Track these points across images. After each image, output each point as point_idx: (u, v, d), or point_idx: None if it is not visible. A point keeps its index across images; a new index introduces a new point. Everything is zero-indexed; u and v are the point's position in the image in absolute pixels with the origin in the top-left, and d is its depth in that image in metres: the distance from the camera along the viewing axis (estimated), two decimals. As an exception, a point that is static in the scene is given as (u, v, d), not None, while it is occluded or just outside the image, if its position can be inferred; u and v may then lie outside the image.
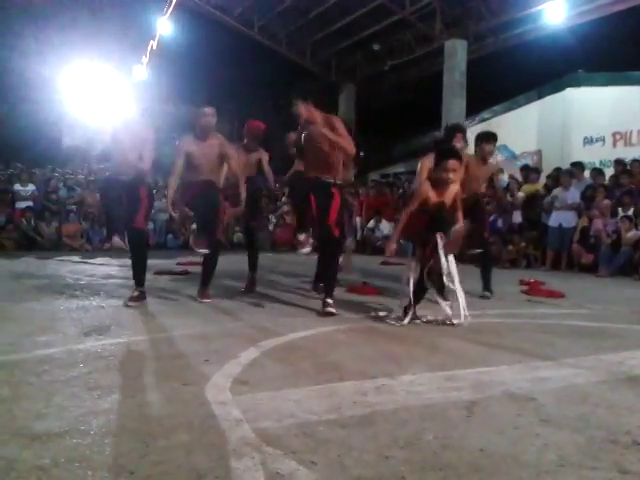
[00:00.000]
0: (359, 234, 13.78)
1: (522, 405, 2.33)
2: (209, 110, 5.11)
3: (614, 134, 12.14)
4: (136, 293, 4.89)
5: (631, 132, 11.89)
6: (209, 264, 5.21)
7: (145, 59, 18.18)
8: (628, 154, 11.31)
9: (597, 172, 10.62)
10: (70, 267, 8.20)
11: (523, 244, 10.00)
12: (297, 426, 2.04)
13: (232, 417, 2.12)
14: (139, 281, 4.99)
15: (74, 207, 13.03)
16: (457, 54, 15.33)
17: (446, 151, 4.30)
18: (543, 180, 11.14)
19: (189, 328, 3.85)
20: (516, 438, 1.98)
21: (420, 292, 4.25)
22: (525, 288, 6.44)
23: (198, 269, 6.70)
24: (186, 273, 7.29)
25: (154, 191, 11.48)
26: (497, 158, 14.82)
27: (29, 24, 16.75)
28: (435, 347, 3.42)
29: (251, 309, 4.78)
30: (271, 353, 3.15)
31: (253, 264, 6.11)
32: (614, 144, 12.16)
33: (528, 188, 10.89)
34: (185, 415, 2.14)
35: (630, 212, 8.89)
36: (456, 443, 1.92)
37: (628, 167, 10.25)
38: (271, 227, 13.84)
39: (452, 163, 4.08)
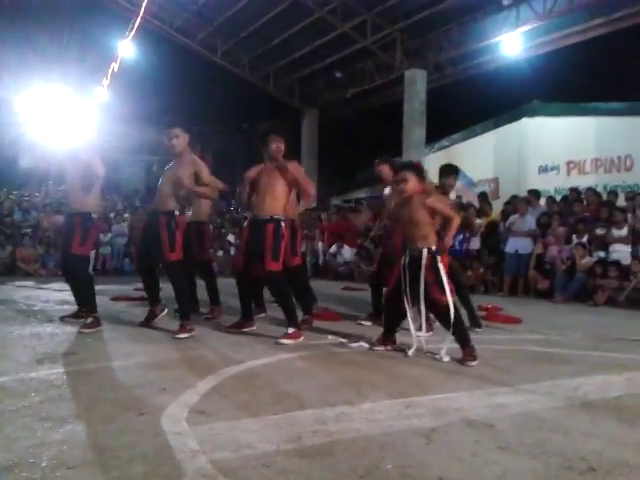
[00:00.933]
0: (321, 259, 13.80)
1: (480, 432, 2.34)
2: (173, 131, 4.79)
3: (568, 163, 12.51)
4: (90, 319, 4.75)
5: (585, 161, 12.27)
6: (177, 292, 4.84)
7: (106, 81, 18.01)
8: (582, 182, 11.67)
9: (552, 200, 10.91)
10: (24, 292, 7.97)
11: (482, 270, 10.15)
12: (255, 457, 2.01)
13: (188, 448, 2.07)
14: (90, 307, 4.84)
15: (29, 231, 12.71)
16: (417, 83, 15.66)
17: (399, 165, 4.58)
18: (500, 207, 11.38)
19: (146, 356, 3.77)
20: (475, 465, 1.99)
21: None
22: (483, 314, 6.51)
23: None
24: (143, 299, 7.17)
25: (112, 214, 11.27)
26: (456, 184, 15.12)
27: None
28: (395, 374, 3.43)
29: (210, 336, 4.71)
30: (230, 381, 3.11)
31: (215, 298, 5.98)
32: (568, 172, 12.53)
33: (488, 218, 11.10)
34: (140, 446, 2.09)
35: (584, 239, 9.12)
36: (415, 472, 1.92)
37: (582, 195, 10.57)
38: (233, 251, 13.73)
39: (400, 173, 4.18)
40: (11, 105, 17.59)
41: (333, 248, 13.43)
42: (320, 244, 13.82)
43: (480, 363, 3.73)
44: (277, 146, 4.68)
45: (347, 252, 13.18)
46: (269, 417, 2.46)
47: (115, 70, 17.35)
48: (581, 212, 9.90)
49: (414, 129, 15.50)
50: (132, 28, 15.80)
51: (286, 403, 2.68)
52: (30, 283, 9.33)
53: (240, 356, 3.78)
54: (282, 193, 4.70)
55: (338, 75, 18.44)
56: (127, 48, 16.87)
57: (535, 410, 2.68)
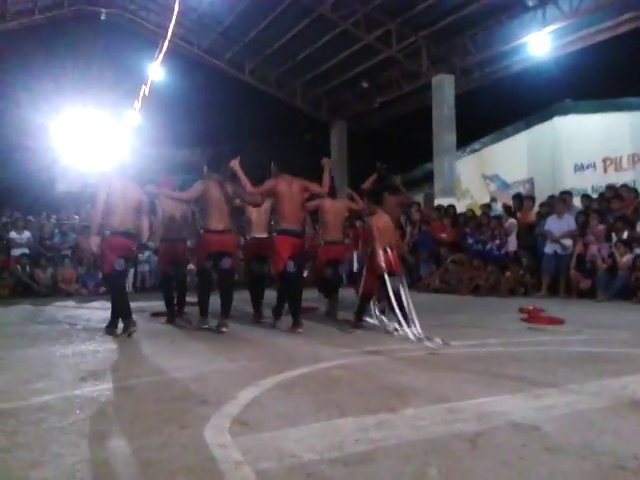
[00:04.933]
0: (356, 267, 13.71)
1: (527, 434, 2.29)
2: None
3: (604, 160, 12.25)
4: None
5: (621, 157, 12.00)
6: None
7: (137, 104, 18.41)
8: (619, 179, 11.40)
9: (589, 198, 10.68)
10: (66, 312, 8.13)
11: (521, 272, 9.98)
12: (299, 466, 2.00)
13: (232, 459, 2.07)
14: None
15: (69, 252, 12.99)
16: (445, 89, 15.56)
17: None
18: (536, 208, 11.21)
19: (186, 369, 3.80)
20: (522, 468, 1.95)
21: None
22: (525, 316, 6.40)
23: (194, 310, 6.69)
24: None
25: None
26: (490, 187, 14.98)
27: (22, 74, 17.00)
28: (436, 379, 3.38)
29: (247, 347, 4.73)
30: (270, 392, 3.11)
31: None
32: (605, 170, 12.27)
33: (527, 216, 10.92)
34: (184, 459, 2.10)
35: (624, 236, 8.91)
36: (461, 476, 1.89)
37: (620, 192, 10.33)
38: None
39: None
40: (47, 130, 18.11)
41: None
42: (355, 252, 13.74)
43: (524, 365, 3.67)
44: None
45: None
46: (311, 426, 2.45)
47: (146, 93, 17.72)
48: (619, 209, 9.66)
49: (444, 134, 15.39)
50: (160, 51, 16.14)
51: (327, 411, 2.66)
52: (72, 303, 9.51)
53: (278, 366, 3.78)
54: None
55: (365, 85, 18.43)
56: (157, 71, 17.22)
57: (582, 410, 2.61)
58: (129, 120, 19.25)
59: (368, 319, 5.95)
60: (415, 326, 5.07)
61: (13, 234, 12.77)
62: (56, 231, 13.78)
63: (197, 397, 2.99)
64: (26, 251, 12.49)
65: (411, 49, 15.85)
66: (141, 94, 17.86)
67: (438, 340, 4.59)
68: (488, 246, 10.84)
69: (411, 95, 17.97)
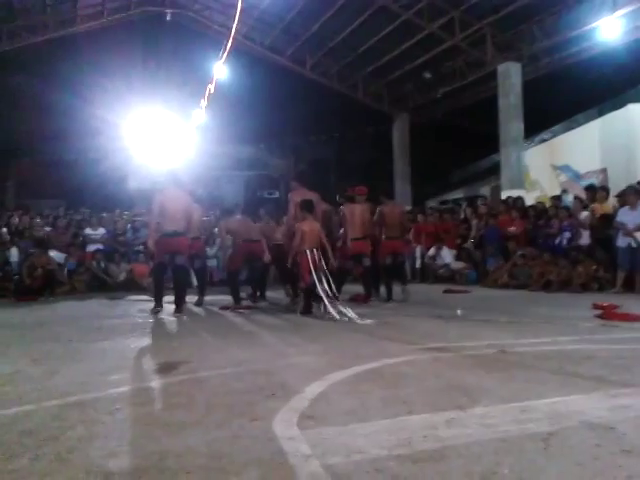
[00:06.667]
0: (418, 262, 13.57)
1: (602, 435, 2.22)
2: None
3: (683, 148, 11.67)
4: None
5: (700, 145, 11.40)
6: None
7: (204, 103, 18.81)
8: (699, 168, 10.84)
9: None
10: (140, 306, 8.42)
11: (594, 267, 9.61)
12: (367, 462, 2.00)
13: (301, 453, 2.10)
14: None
15: (141, 247, 13.45)
16: (511, 77, 15.15)
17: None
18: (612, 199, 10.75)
19: (255, 362, 3.87)
20: (597, 470, 1.89)
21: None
22: (599, 312, 6.18)
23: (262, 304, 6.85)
24: (250, 308, 7.39)
25: (216, 229, 11.95)
26: (561, 178, 14.51)
27: (97, 75, 17.69)
28: (507, 377, 3.31)
29: (313, 342, 4.77)
30: (337, 387, 3.13)
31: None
32: (683, 158, 11.68)
33: (601, 208, 10.48)
34: (255, 451, 2.14)
35: None
36: (534, 476, 1.85)
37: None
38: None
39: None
40: (119, 129, 18.80)
41: (432, 250, 13.18)
42: (418, 247, 13.60)
43: (598, 364, 3.54)
44: None
45: (446, 254, 12.90)
46: (378, 422, 2.45)
47: (211, 92, 18.10)
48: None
49: (511, 124, 14.99)
50: (225, 50, 16.44)
51: (394, 408, 2.66)
52: (145, 297, 9.82)
53: (344, 361, 3.80)
54: None
55: (427, 76, 18.19)
56: (221, 70, 17.55)
57: (662, 412, 2.50)
58: (196, 119, 19.70)
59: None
60: (345, 310, 6.29)
61: (88, 230, 13.34)
62: (129, 227, 14.29)
63: (266, 390, 3.05)
64: (101, 247, 13.01)
65: (475, 37, 15.54)
66: (207, 93, 18.24)
67: (369, 320, 5.81)
68: (558, 240, 10.51)
69: (475, 85, 17.64)
